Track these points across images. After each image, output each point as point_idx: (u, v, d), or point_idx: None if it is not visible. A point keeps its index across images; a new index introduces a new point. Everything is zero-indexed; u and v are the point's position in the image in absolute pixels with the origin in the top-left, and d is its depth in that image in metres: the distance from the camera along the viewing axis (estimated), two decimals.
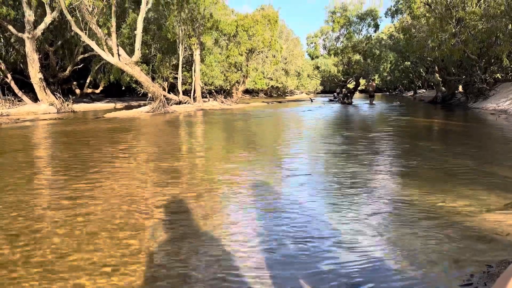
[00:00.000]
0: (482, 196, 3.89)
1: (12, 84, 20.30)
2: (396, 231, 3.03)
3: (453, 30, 18.37)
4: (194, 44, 22.03)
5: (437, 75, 25.93)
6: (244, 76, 29.99)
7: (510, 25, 16.64)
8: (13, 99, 20.03)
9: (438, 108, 21.69)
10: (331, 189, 4.34)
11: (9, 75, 20.24)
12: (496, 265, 2.36)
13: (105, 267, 2.47)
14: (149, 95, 19.50)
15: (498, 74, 20.37)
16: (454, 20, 18.27)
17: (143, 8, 17.38)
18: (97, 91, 30.08)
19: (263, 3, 54.02)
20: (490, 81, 20.33)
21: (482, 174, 4.90)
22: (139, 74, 18.47)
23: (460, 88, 24.92)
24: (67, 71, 25.78)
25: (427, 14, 20.91)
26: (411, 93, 49.49)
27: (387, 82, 56.05)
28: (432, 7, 19.86)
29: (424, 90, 44.48)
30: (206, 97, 25.34)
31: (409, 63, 31.98)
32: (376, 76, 38.66)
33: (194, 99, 22.90)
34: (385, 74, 37.33)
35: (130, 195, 4.11)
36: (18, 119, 15.53)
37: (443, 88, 26.42)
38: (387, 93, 66.74)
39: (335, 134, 10.32)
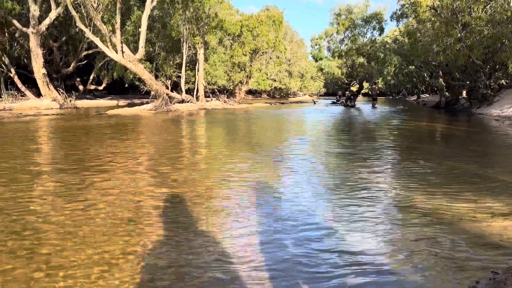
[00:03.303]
0: (487, 202, 3.82)
1: (16, 79, 20.30)
2: (400, 236, 2.97)
3: (459, 35, 18.26)
4: (198, 43, 21.98)
5: (441, 79, 25.77)
6: (247, 76, 29.92)
7: None
8: (16, 93, 20.03)
9: (441, 113, 21.59)
10: (333, 191, 4.28)
11: (12, 70, 20.24)
12: (503, 272, 2.30)
13: (102, 264, 2.42)
14: (152, 93, 19.47)
15: (502, 80, 20.23)
16: (460, 25, 18.17)
17: (148, 5, 17.36)
18: (100, 87, 30.09)
19: (269, 3, 53.99)
20: (495, 87, 20.19)
21: (487, 180, 4.84)
22: (143, 71, 18.44)
23: (464, 94, 24.79)
24: (70, 67, 25.79)
25: (432, 19, 20.79)
26: (414, 97, 49.35)
27: (391, 86, 55.80)
28: (438, 12, 19.76)
29: (428, 95, 44.33)
30: (209, 97, 25.27)
31: (413, 67, 31.79)
32: (380, 80, 38.52)
33: (197, 98, 22.85)
34: (388, 77, 37.13)
35: (130, 192, 4.05)
36: (21, 113, 15.52)
37: (447, 93, 26.28)
38: (390, 97, 66.51)
39: (338, 136, 10.26)
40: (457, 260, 2.53)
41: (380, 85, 43.82)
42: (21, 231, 2.92)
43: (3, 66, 19.92)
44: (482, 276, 2.29)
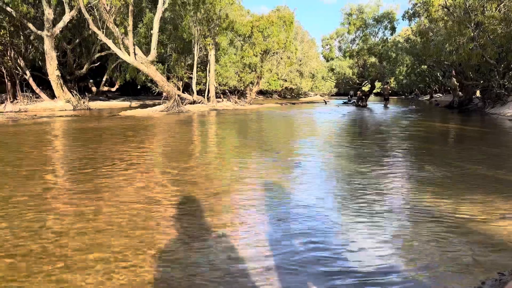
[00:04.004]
0: (496, 203, 3.81)
1: (30, 81, 20.69)
2: (407, 236, 2.99)
3: (472, 34, 18.06)
4: (209, 44, 22.12)
5: (454, 79, 25.48)
6: (258, 77, 29.96)
7: None
8: (31, 95, 20.42)
9: (454, 113, 21.35)
10: (343, 192, 4.31)
11: (27, 72, 20.64)
12: (509, 273, 2.31)
13: (118, 263, 2.50)
14: (164, 94, 19.66)
15: None
16: (472, 24, 17.97)
17: (160, 7, 17.54)
18: (113, 89, 30.50)
19: (280, 4, 54.02)
20: (509, 86, 19.89)
21: (497, 181, 4.81)
22: (155, 73, 18.63)
23: (478, 93, 24.47)
24: (84, 69, 26.18)
25: (445, 18, 20.60)
26: (427, 97, 48.91)
27: (403, 85, 55.39)
28: (451, 11, 19.58)
29: (441, 95, 43.91)
30: (220, 97, 25.43)
31: (425, 66, 31.52)
32: (392, 79, 38.28)
33: (208, 99, 23.00)
34: (401, 77, 36.87)
35: (142, 194, 4.14)
36: (35, 115, 15.81)
37: (460, 93, 25.97)
38: (403, 96, 65.96)
39: (349, 137, 10.25)
40: (463, 260, 2.55)
41: (392, 85, 43.56)
42: (35, 231, 3.03)
43: (18, 68, 20.32)
44: (488, 277, 2.31)
